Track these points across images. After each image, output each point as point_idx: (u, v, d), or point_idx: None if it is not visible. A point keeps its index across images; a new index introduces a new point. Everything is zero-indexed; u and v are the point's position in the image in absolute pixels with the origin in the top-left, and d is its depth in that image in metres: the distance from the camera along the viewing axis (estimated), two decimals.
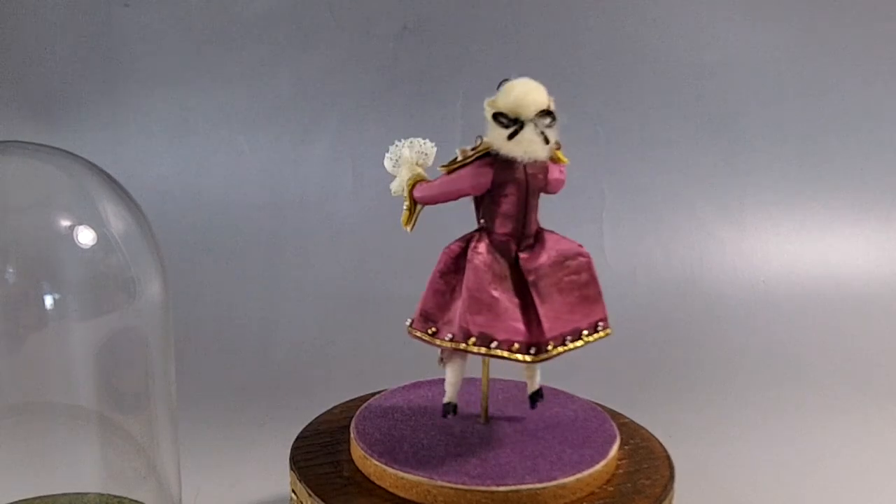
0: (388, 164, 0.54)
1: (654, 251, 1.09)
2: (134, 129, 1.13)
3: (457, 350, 0.48)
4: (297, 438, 0.57)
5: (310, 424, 0.59)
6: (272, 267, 1.07)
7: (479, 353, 0.48)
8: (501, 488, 0.48)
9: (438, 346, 0.50)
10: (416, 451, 0.51)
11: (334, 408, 0.61)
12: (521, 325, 0.47)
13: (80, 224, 0.52)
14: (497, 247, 0.49)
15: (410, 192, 0.52)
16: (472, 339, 0.47)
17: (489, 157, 0.49)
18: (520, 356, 0.47)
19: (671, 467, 0.53)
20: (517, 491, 0.48)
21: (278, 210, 1.11)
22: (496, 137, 0.47)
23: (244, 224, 1.10)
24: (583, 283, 0.50)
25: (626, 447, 0.55)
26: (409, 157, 0.53)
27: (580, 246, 0.51)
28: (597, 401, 0.61)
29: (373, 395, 0.61)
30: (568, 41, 1.11)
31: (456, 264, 0.49)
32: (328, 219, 1.10)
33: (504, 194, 0.49)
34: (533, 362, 0.48)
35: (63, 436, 0.58)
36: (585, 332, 0.50)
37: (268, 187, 1.12)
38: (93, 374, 0.56)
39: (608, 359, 0.86)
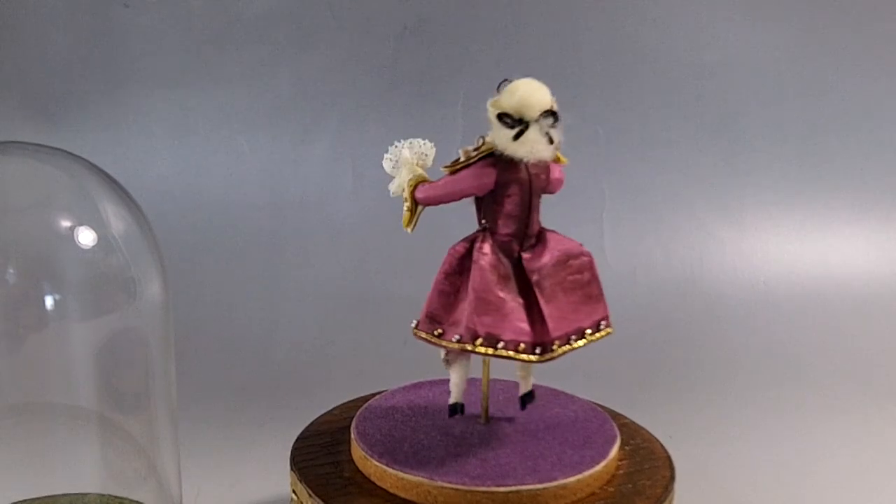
0: (387, 165, 0.54)
1: (654, 251, 1.09)
2: (134, 129, 1.13)
3: (463, 351, 0.48)
4: (298, 439, 0.57)
5: (310, 425, 0.59)
6: (272, 267, 1.07)
7: (485, 354, 0.47)
8: (502, 489, 0.48)
9: (445, 347, 0.49)
10: (417, 452, 0.51)
11: (335, 408, 0.61)
12: (526, 326, 0.48)
13: (81, 224, 0.52)
14: (500, 247, 0.49)
15: (412, 193, 0.52)
16: (479, 340, 0.47)
17: (492, 158, 0.49)
18: (525, 356, 0.47)
19: (672, 468, 0.53)
20: (517, 491, 0.48)
21: (278, 210, 1.11)
22: (501, 138, 0.47)
23: (244, 224, 1.10)
24: (585, 283, 0.50)
25: (626, 448, 0.55)
26: (409, 157, 0.53)
27: (581, 245, 0.51)
28: (597, 401, 0.61)
29: (373, 395, 0.61)
30: (568, 41, 1.11)
31: (461, 265, 0.49)
32: (328, 219, 1.10)
33: (507, 194, 0.49)
34: (538, 362, 0.48)
35: (63, 436, 0.58)
36: (589, 331, 0.50)
37: (268, 187, 1.12)
38: (93, 375, 0.56)
39: (608, 359, 0.86)
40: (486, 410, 0.56)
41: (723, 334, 1.00)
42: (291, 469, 0.53)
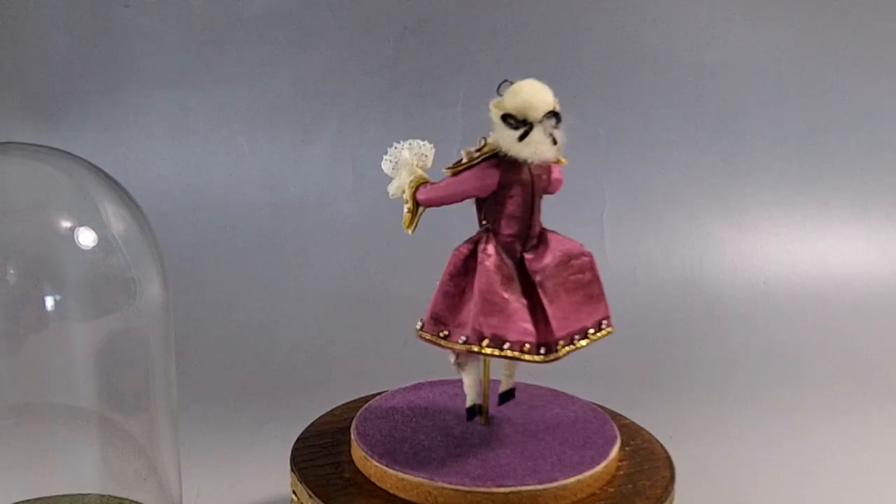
0: (386, 166, 0.54)
1: (654, 251, 1.09)
2: (134, 129, 1.13)
3: (470, 353, 0.48)
4: (298, 439, 0.57)
5: (310, 425, 0.59)
6: (272, 267, 1.07)
7: (492, 355, 0.47)
8: (502, 489, 0.48)
9: (451, 349, 0.49)
10: (417, 453, 0.51)
11: (335, 409, 0.61)
12: (530, 326, 0.48)
13: (81, 225, 0.52)
14: (503, 248, 0.49)
15: (413, 194, 0.52)
16: (486, 342, 0.47)
17: (494, 159, 0.49)
18: (530, 357, 0.47)
19: (672, 468, 0.53)
20: (518, 492, 0.48)
21: (278, 210, 1.11)
22: (505, 139, 0.47)
23: (244, 224, 1.10)
24: (587, 283, 0.51)
25: (626, 448, 0.55)
26: (409, 158, 0.53)
27: (582, 245, 0.51)
28: (597, 402, 0.61)
29: (373, 396, 0.61)
30: (568, 41, 1.11)
31: (465, 266, 0.49)
32: (328, 219, 1.10)
33: (510, 195, 0.49)
34: (543, 362, 0.48)
35: (64, 436, 0.58)
36: (591, 331, 0.50)
37: (268, 187, 1.12)
38: (93, 375, 0.56)
39: (608, 359, 0.86)
40: (486, 411, 0.56)
41: (723, 334, 1.00)
42: (291, 469, 0.53)
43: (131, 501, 0.57)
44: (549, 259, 0.49)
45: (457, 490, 0.48)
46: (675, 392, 0.88)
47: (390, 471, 0.50)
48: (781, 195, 1.12)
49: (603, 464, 0.51)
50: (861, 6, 1.10)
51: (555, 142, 0.48)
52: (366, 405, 0.58)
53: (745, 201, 1.12)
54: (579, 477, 0.49)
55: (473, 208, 0.52)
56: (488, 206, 0.50)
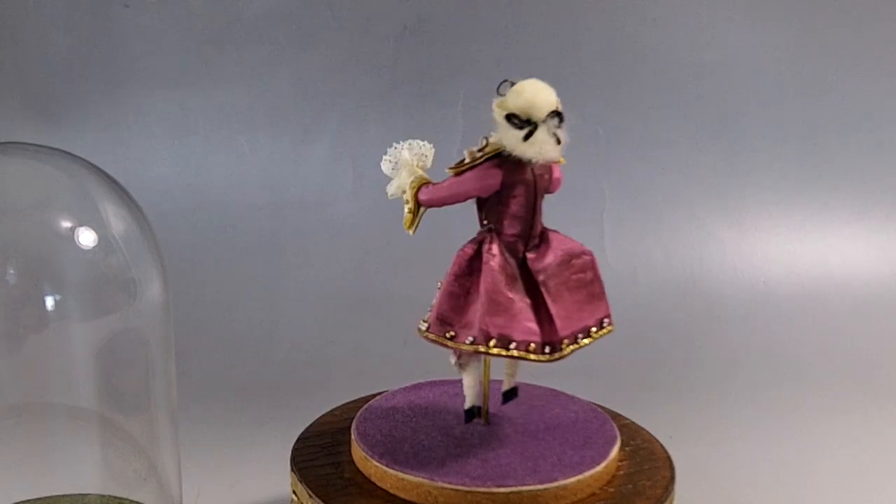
0: (386, 167, 0.53)
1: (654, 251, 1.09)
2: (134, 129, 1.13)
3: (477, 353, 0.48)
4: (298, 439, 0.57)
5: (311, 425, 0.59)
6: (272, 267, 1.07)
7: (499, 356, 0.48)
8: (502, 489, 0.48)
9: (458, 350, 0.49)
10: (417, 453, 0.51)
11: (335, 409, 0.61)
12: (535, 326, 0.48)
13: (81, 225, 0.52)
14: (506, 248, 0.49)
15: (415, 194, 0.52)
16: (493, 342, 0.47)
17: (497, 159, 0.49)
18: (535, 356, 0.47)
19: (672, 468, 0.53)
20: (518, 492, 0.48)
21: (278, 210, 1.11)
22: (510, 139, 0.47)
23: (244, 224, 1.10)
24: (588, 281, 0.51)
25: (626, 448, 0.55)
26: (409, 159, 0.53)
27: (583, 245, 0.51)
28: (597, 402, 0.61)
29: (374, 396, 0.61)
30: (568, 41, 1.11)
31: (469, 267, 0.49)
32: (328, 219, 1.10)
33: (513, 195, 0.49)
34: (549, 361, 0.48)
35: (64, 437, 0.58)
36: (594, 329, 0.51)
37: (268, 187, 1.12)
38: (93, 375, 0.56)
39: (608, 359, 0.86)
40: (487, 411, 0.56)
41: (723, 334, 1.00)
42: (292, 469, 0.53)
43: (131, 501, 0.57)
44: (551, 258, 0.49)
45: (457, 490, 0.48)
46: (675, 392, 0.88)
47: (390, 471, 0.50)
48: (781, 195, 1.12)
49: (603, 464, 0.51)
50: (861, 6, 1.10)
51: (559, 141, 0.48)
52: (366, 405, 0.58)
53: (745, 201, 1.12)
54: (579, 477, 0.49)
55: (474, 208, 0.52)
56: (490, 206, 0.50)
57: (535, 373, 0.60)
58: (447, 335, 0.49)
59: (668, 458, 0.55)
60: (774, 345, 0.98)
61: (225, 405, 0.84)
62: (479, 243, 0.49)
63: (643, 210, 1.11)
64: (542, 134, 0.47)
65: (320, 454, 0.55)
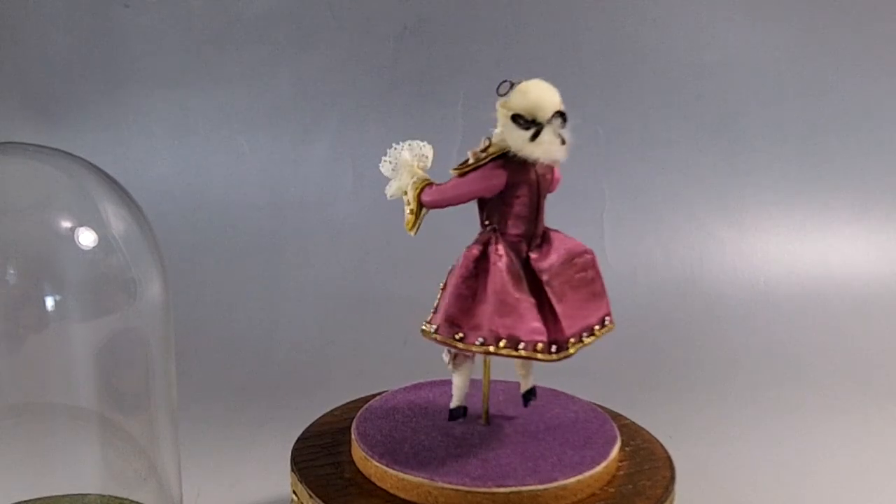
0: (386, 168, 0.53)
1: (654, 251, 1.09)
2: (134, 129, 1.13)
3: (487, 354, 0.48)
4: (298, 439, 0.57)
5: (311, 425, 0.59)
6: (272, 267, 1.07)
7: (508, 356, 0.48)
8: (502, 489, 0.48)
9: (469, 351, 0.49)
10: (417, 453, 0.51)
11: (335, 409, 0.61)
12: (541, 325, 0.48)
13: (81, 225, 0.52)
14: (510, 248, 0.49)
15: (418, 195, 0.51)
16: (503, 342, 0.47)
17: (501, 159, 0.49)
18: (543, 356, 0.48)
19: (672, 468, 0.53)
20: (518, 492, 0.48)
21: (278, 210, 1.11)
22: (516, 139, 0.47)
23: (244, 224, 1.10)
24: (590, 280, 0.51)
25: (626, 448, 0.55)
26: (409, 160, 0.53)
27: (583, 244, 0.52)
28: (597, 402, 0.61)
29: (374, 396, 0.61)
30: (568, 41, 1.11)
31: (476, 268, 0.49)
32: (328, 219, 1.10)
33: (516, 195, 0.49)
34: (556, 360, 0.48)
35: (64, 437, 0.58)
36: (597, 328, 0.51)
37: (268, 187, 1.12)
38: (93, 375, 0.56)
39: (608, 359, 0.86)
40: (487, 411, 0.56)
41: (723, 334, 1.00)
42: (292, 470, 0.53)
43: (131, 501, 0.57)
44: (554, 258, 0.49)
45: (457, 490, 0.48)
46: (675, 392, 0.88)
47: (391, 471, 0.50)
48: (781, 195, 1.12)
49: (603, 464, 0.51)
50: (861, 6, 1.10)
51: (563, 142, 0.48)
52: (366, 405, 0.58)
53: (745, 201, 1.12)
54: (580, 477, 0.49)
55: (473, 208, 0.52)
56: (493, 207, 0.50)
57: (535, 372, 0.60)
58: (456, 336, 0.48)
59: (668, 458, 0.55)
60: (774, 345, 0.98)
61: (225, 405, 0.84)
62: (484, 244, 0.49)
63: (643, 210, 1.11)
64: (548, 134, 0.47)
65: (320, 454, 0.55)
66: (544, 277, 0.49)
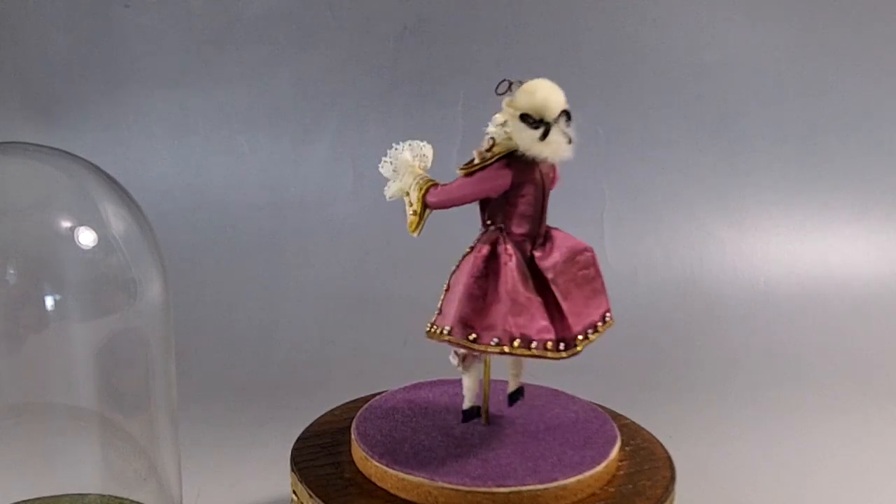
0: (386, 169, 0.53)
1: (654, 251, 1.09)
2: (134, 129, 1.13)
3: (502, 354, 0.48)
4: (298, 439, 0.57)
5: (311, 425, 0.59)
6: (272, 267, 1.07)
7: (521, 355, 0.48)
8: (502, 489, 0.48)
9: (485, 352, 0.49)
10: (417, 453, 0.51)
11: (335, 409, 0.61)
12: (548, 324, 0.48)
13: (81, 225, 0.52)
14: (516, 247, 0.49)
15: (422, 196, 0.51)
16: (517, 342, 0.47)
17: (506, 159, 0.49)
18: (553, 354, 0.48)
19: (672, 468, 0.53)
20: (518, 492, 0.48)
21: (278, 210, 1.11)
22: (525, 139, 0.47)
23: (244, 224, 1.10)
24: (591, 278, 0.51)
25: (626, 448, 0.55)
26: (410, 160, 0.52)
27: (583, 241, 0.52)
28: (597, 402, 0.61)
29: (373, 396, 0.61)
30: (568, 41, 1.11)
31: (486, 268, 0.49)
32: (328, 219, 1.10)
33: (521, 195, 0.49)
34: (566, 358, 0.48)
35: (64, 437, 0.58)
36: (599, 325, 0.51)
37: (268, 187, 1.12)
38: (93, 375, 0.56)
39: (608, 359, 0.86)
40: (487, 411, 0.56)
41: (723, 334, 1.00)
42: (292, 470, 0.53)
43: (131, 501, 0.57)
44: (557, 256, 0.50)
45: (457, 490, 0.48)
46: (675, 392, 0.88)
47: (391, 471, 0.50)
48: (781, 195, 1.12)
49: (603, 464, 0.51)
50: (861, 6, 1.10)
51: (570, 140, 0.48)
52: (366, 405, 0.58)
53: (745, 201, 1.12)
54: (580, 477, 0.49)
55: (472, 207, 0.51)
56: (496, 206, 0.50)
57: (535, 372, 0.60)
58: (470, 337, 0.48)
59: (669, 458, 0.55)
60: (774, 345, 0.98)
61: (225, 405, 0.84)
62: (492, 244, 0.49)
63: (643, 210, 1.11)
64: (556, 134, 0.47)
65: (320, 454, 0.55)
66: (549, 276, 0.49)
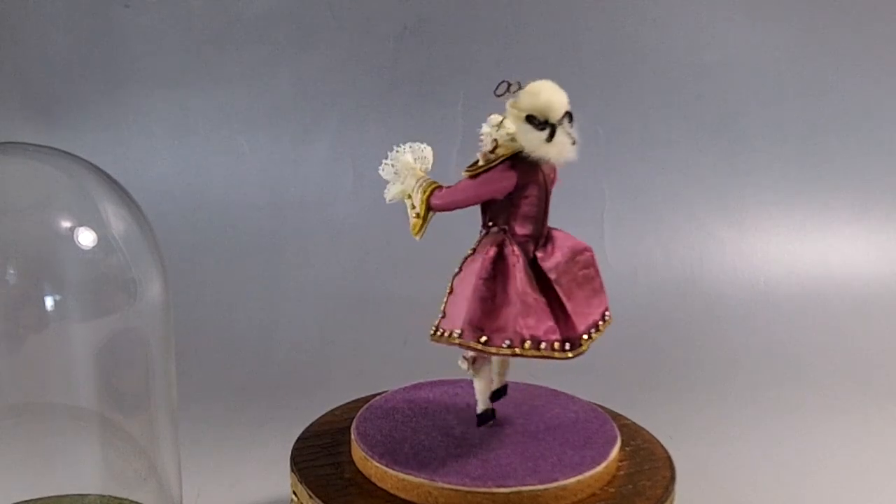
0: (387, 171, 0.53)
1: (654, 251, 1.09)
2: (134, 129, 1.13)
3: (513, 356, 0.48)
4: (298, 439, 0.57)
5: (311, 425, 0.59)
6: (272, 267, 1.07)
7: (531, 356, 0.48)
8: (502, 490, 0.48)
9: (497, 354, 0.49)
10: (417, 453, 0.51)
11: (335, 409, 0.61)
12: (553, 324, 0.48)
13: (81, 225, 0.52)
14: (520, 248, 0.49)
15: (427, 199, 0.51)
16: (527, 344, 0.47)
17: (510, 160, 0.48)
18: (560, 354, 0.48)
19: (672, 468, 0.53)
20: (518, 492, 0.48)
21: (278, 210, 1.11)
22: (531, 140, 0.47)
23: (244, 224, 1.10)
24: (591, 277, 0.52)
25: (626, 448, 0.55)
26: (412, 162, 0.52)
27: (582, 241, 0.52)
28: (597, 402, 0.61)
29: (374, 396, 0.61)
30: (568, 41, 1.11)
31: (494, 269, 0.49)
32: (328, 219, 1.10)
33: (525, 196, 0.49)
34: (572, 357, 0.48)
35: (64, 437, 0.58)
36: (600, 323, 0.51)
37: (268, 187, 1.12)
38: (93, 375, 0.56)
39: (608, 359, 0.86)
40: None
41: (723, 334, 1.00)
42: (292, 470, 0.53)
43: (131, 501, 0.57)
44: (559, 256, 0.50)
45: (457, 490, 0.48)
46: (675, 392, 0.88)
47: (391, 471, 0.50)
48: (781, 195, 1.12)
49: (603, 464, 0.51)
50: (861, 6, 1.10)
51: (574, 141, 0.48)
52: (366, 405, 0.58)
53: (745, 201, 1.12)
54: (580, 477, 0.49)
55: (473, 207, 0.51)
56: (499, 207, 0.50)
57: (535, 373, 0.60)
58: (481, 340, 0.48)
59: (669, 459, 0.55)
60: (774, 345, 0.98)
61: (225, 405, 0.84)
62: (498, 245, 0.49)
63: (643, 210, 1.11)
64: (561, 135, 0.47)
65: (320, 454, 0.54)
66: (553, 276, 0.49)
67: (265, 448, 0.74)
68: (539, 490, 0.48)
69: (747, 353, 0.96)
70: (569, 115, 0.48)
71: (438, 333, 0.49)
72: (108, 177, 0.55)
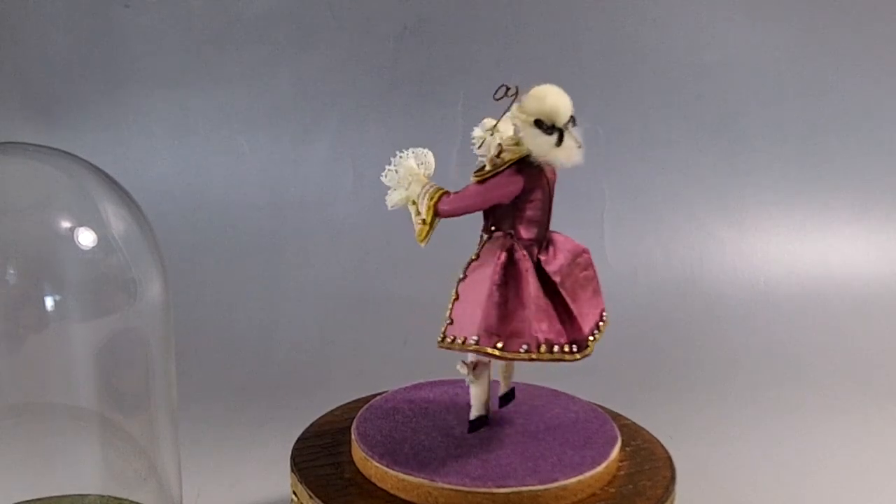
0: (391, 177, 0.53)
1: (654, 251, 1.09)
2: (134, 129, 1.13)
3: (530, 360, 0.48)
4: (298, 439, 0.57)
5: (311, 425, 0.59)
6: (272, 267, 1.07)
7: (546, 360, 0.48)
8: (503, 490, 0.48)
9: (515, 359, 0.48)
10: (417, 453, 0.51)
11: (335, 409, 0.61)
12: (560, 326, 0.48)
13: (81, 225, 0.52)
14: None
15: (435, 205, 0.50)
16: (542, 347, 0.48)
17: (516, 165, 0.48)
18: (570, 356, 0.48)
19: (672, 468, 0.53)
20: (518, 492, 0.48)
21: (278, 210, 1.11)
22: (541, 145, 0.47)
23: (244, 224, 1.10)
24: (591, 278, 0.52)
25: (627, 448, 0.55)
26: (416, 168, 0.52)
27: (579, 243, 0.52)
28: (597, 402, 0.61)
29: (374, 396, 0.61)
30: (568, 41, 1.11)
31: (505, 274, 0.49)
32: (328, 219, 1.10)
33: (530, 200, 0.49)
34: (580, 359, 0.48)
35: (64, 437, 0.58)
36: (601, 324, 0.51)
37: (268, 187, 1.12)
38: (93, 375, 0.56)
39: (608, 359, 0.86)
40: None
41: (723, 334, 1.00)
42: (292, 470, 0.53)
43: (131, 502, 0.57)
44: (561, 259, 0.50)
45: (457, 490, 0.48)
46: (675, 392, 0.88)
47: (391, 471, 0.50)
48: (781, 195, 1.12)
49: (603, 464, 0.51)
50: (861, 6, 1.10)
51: (580, 145, 0.48)
52: (366, 405, 0.58)
53: (745, 201, 1.12)
54: (580, 477, 0.49)
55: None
56: (504, 212, 0.50)
57: (535, 373, 0.60)
58: (497, 345, 0.48)
59: (669, 459, 0.55)
60: (774, 345, 0.98)
61: (225, 405, 0.84)
62: (507, 250, 0.49)
63: (643, 210, 1.11)
64: (568, 139, 0.47)
65: (320, 454, 0.54)
66: (557, 279, 0.49)
67: (265, 448, 0.74)
68: (539, 490, 0.48)
69: (747, 353, 0.96)
70: (572, 118, 0.48)
71: (448, 340, 0.49)
72: (108, 177, 0.55)
